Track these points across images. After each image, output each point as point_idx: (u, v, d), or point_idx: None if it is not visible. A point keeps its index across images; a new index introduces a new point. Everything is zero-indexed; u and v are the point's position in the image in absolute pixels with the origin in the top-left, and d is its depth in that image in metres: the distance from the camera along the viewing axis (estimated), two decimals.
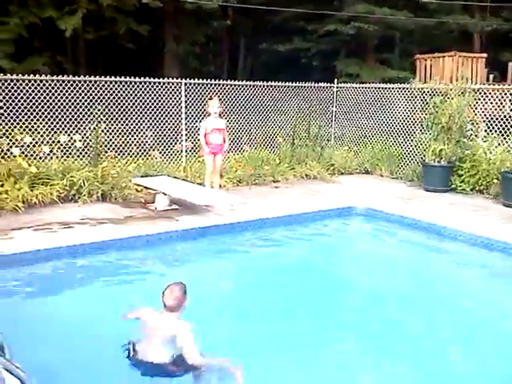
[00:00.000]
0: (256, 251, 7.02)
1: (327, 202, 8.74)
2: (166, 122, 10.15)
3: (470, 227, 7.31)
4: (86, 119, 9.21)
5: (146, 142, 10.12)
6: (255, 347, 4.12)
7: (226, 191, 8.90)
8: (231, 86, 10.88)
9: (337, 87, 12.36)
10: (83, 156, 9.08)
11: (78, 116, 9.18)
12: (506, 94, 10.27)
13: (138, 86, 9.69)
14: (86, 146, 9.12)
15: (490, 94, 10.26)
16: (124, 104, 9.61)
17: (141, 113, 9.88)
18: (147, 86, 9.81)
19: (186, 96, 10.20)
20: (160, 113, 10.08)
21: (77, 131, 9.11)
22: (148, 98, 9.89)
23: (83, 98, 9.20)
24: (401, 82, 11.75)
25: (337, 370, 3.96)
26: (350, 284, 5.88)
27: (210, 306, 4.79)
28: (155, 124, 10.08)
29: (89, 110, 9.20)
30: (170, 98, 10.11)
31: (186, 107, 10.22)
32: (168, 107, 10.12)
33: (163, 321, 3.80)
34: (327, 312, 4.99)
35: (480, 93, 10.34)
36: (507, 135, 9.72)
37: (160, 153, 10.01)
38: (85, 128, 9.18)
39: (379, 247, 7.50)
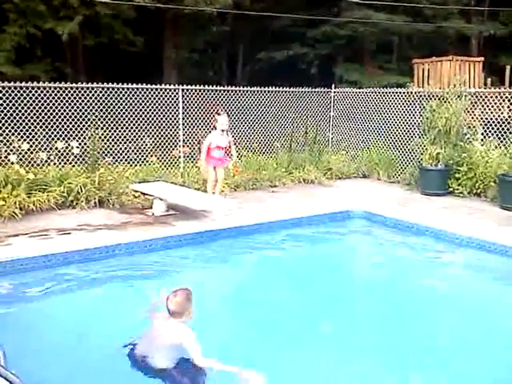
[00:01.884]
0: (253, 256, 7.02)
1: (324, 206, 8.75)
2: (164, 128, 10.18)
3: (468, 230, 7.31)
4: (84, 125, 9.24)
5: (144, 148, 10.13)
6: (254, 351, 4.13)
7: (223, 196, 8.91)
8: (229, 91, 10.92)
9: (334, 92, 12.39)
10: (81, 162, 9.11)
11: (76, 122, 9.21)
12: (502, 97, 10.30)
13: (135, 93, 9.73)
14: (83, 153, 9.14)
15: (486, 97, 10.29)
16: (122, 110, 9.65)
17: (138, 119, 9.91)
18: (145, 93, 9.85)
19: (183, 102, 10.24)
20: (158, 119, 10.12)
21: (74, 138, 9.14)
22: (146, 105, 9.93)
23: (81, 104, 9.23)
24: (399, 86, 11.75)
25: None
26: (345, 286, 5.88)
27: (208, 309, 4.78)
28: (153, 130, 10.11)
29: (86, 116, 9.23)
30: (168, 105, 10.14)
31: (183, 113, 10.25)
32: (166, 113, 10.15)
33: (167, 327, 3.82)
34: (324, 313, 4.98)
35: (477, 96, 10.37)
36: (504, 138, 9.73)
37: (158, 159, 10.03)
38: (82, 134, 9.21)
39: (376, 250, 7.51)
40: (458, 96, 10.04)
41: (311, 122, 11.89)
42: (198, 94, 10.43)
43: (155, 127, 10.12)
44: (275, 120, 11.58)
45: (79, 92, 9.22)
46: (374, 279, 6.14)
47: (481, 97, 10.35)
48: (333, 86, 12.51)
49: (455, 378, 3.96)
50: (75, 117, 9.19)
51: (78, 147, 9.06)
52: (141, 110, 9.90)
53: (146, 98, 9.88)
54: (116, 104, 9.57)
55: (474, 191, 9.64)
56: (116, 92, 9.53)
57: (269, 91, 11.39)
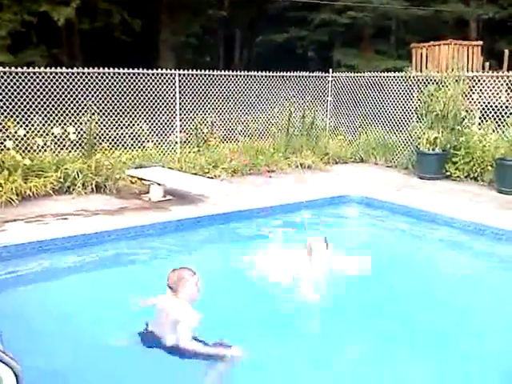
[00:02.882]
0: (251, 240, 7.02)
1: (322, 191, 8.75)
2: (161, 113, 10.14)
3: (465, 214, 7.33)
4: (80, 111, 9.20)
5: (141, 133, 10.10)
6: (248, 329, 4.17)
7: (220, 181, 8.91)
8: (226, 76, 10.87)
9: (332, 76, 12.33)
10: (77, 148, 9.09)
11: (72, 108, 9.17)
12: (500, 81, 10.26)
13: (132, 78, 9.69)
14: (80, 138, 9.12)
15: (484, 81, 10.25)
16: (118, 96, 9.60)
17: (135, 104, 9.87)
18: (141, 78, 9.80)
19: (180, 87, 10.19)
20: (154, 104, 10.08)
21: (71, 123, 9.11)
22: (142, 90, 9.88)
23: (77, 89, 9.19)
24: (397, 71, 11.70)
25: None
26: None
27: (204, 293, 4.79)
28: (150, 115, 10.08)
29: (83, 101, 9.20)
30: (165, 90, 10.10)
31: (180, 98, 10.21)
32: (162, 98, 10.11)
33: (171, 304, 3.88)
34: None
35: (475, 80, 10.33)
36: (501, 122, 9.71)
37: (154, 144, 10.01)
38: (79, 120, 9.18)
39: (374, 234, 7.52)
40: (456, 80, 10.00)
41: (309, 106, 11.85)
42: (195, 78, 10.38)
43: (152, 112, 10.08)
44: (272, 105, 11.54)
45: (75, 77, 9.17)
46: (371, 261, 6.12)
47: (479, 81, 10.32)
48: (330, 70, 12.45)
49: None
50: (71, 102, 9.15)
51: (74, 133, 9.04)
52: (137, 95, 9.85)
53: (142, 83, 9.83)
54: (112, 89, 9.52)
55: (471, 175, 9.65)
56: (112, 77, 9.49)
57: (266, 76, 11.34)
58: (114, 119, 9.63)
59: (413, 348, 4.13)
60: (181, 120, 10.27)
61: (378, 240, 7.20)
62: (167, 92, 10.11)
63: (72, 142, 9.04)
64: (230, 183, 8.83)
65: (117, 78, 9.52)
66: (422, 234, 7.29)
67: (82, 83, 9.22)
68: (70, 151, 8.92)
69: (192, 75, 10.35)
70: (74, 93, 9.15)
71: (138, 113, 9.96)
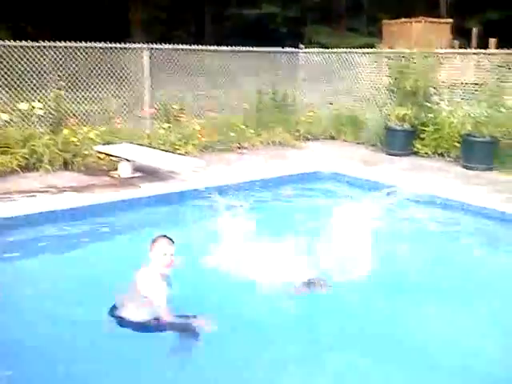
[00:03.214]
0: (219, 216, 7.02)
1: (293, 167, 8.80)
2: (130, 88, 9.99)
3: (431, 189, 7.46)
4: (47, 86, 9.01)
5: (109, 109, 9.95)
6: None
7: (191, 157, 8.86)
8: (196, 51, 10.75)
9: (303, 53, 12.30)
10: (44, 124, 8.92)
11: (38, 82, 8.97)
12: (469, 59, 10.38)
13: (100, 52, 9.50)
14: (46, 114, 8.94)
15: (453, 58, 10.36)
16: (87, 71, 9.42)
17: (104, 80, 9.70)
18: (110, 52, 9.62)
19: (149, 62, 10.04)
20: (124, 79, 9.91)
21: (37, 98, 8.91)
22: (111, 65, 9.70)
23: (43, 64, 8.98)
24: (369, 48, 11.73)
25: None
26: (311, 241, 5.93)
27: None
28: (119, 91, 9.92)
29: (49, 76, 9.00)
30: (134, 64, 9.94)
31: (149, 73, 10.07)
32: (131, 74, 9.95)
33: (141, 275, 3.85)
34: None
35: (444, 58, 10.43)
36: (469, 99, 9.85)
37: (123, 120, 9.87)
38: (45, 95, 8.98)
39: (343, 209, 7.57)
40: (426, 57, 10.09)
41: (280, 82, 11.82)
42: (164, 53, 10.24)
43: (121, 88, 9.92)
44: (243, 80, 11.47)
45: (41, 51, 8.95)
46: (342, 237, 6.17)
47: (448, 58, 10.42)
48: (302, 46, 12.41)
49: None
50: (37, 77, 8.94)
51: (41, 108, 8.84)
52: (106, 70, 9.67)
53: (111, 58, 9.65)
54: (81, 64, 9.33)
55: (439, 151, 9.81)
56: (80, 51, 9.29)
57: (236, 51, 11.26)
58: (82, 95, 9.45)
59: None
60: (150, 95, 10.14)
61: (347, 214, 7.27)
62: (136, 67, 9.95)
63: (39, 118, 8.85)
64: (200, 160, 8.78)
65: (85, 52, 9.32)
66: (388, 209, 7.39)
67: (48, 57, 9.00)
68: (36, 127, 8.73)
69: (161, 50, 10.21)
70: (39, 66, 8.94)
71: (106, 88, 9.79)
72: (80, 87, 9.43)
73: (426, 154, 9.84)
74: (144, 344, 3.65)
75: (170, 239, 3.97)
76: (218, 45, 11.32)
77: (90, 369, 3.43)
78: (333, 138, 11.76)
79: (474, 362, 3.62)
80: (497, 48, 10.46)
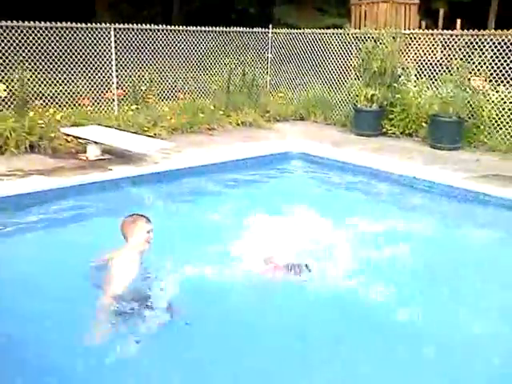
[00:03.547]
0: (191, 198, 7.03)
1: (263, 148, 8.83)
2: (97, 69, 9.82)
3: (399, 168, 7.61)
4: (11, 67, 8.79)
5: (76, 90, 9.77)
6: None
7: (160, 139, 8.79)
8: (164, 31, 10.61)
9: (272, 33, 12.26)
10: (9, 106, 8.72)
11: (2, 64, 8.74)
12: (435, 40, 10.50)
13: (65, 32, 9.29)
14: (11, 96, 8.74)
15: (420, 39, 10.46)
16: (52, 52, 9.22)
17: (69, 60, 9.50)
18: (75, 32, 9.42)
19: (116, 42, 9.87)
20: (90, 60, 9.73)
21: (1, 80, 8.69)
22: (77, 45, 9.51)
23: (7, 45, 8.75)
24: (337, 28, 11.74)
25: None
26: (280, 217, 5.97)
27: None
28: (85, 72, 9.74)
29: (13, 57, 8.78)
30: (100, 45, 9.76)
31: (116, 54, 9.91)
32: (98, 54, 9.77)
33: (117, 255, 3.86)
34: None
35: (411, 38, 10.53)
36: (436, 80, 9.99)
37: (91, 102, 9.71)
38: (9, 77, 8.77)
39: (314, 189, 7.68)
40: (393, 37, 10.17)
41: (249, 63, 11.77)
42: (131, 33, 10.08)
43: (87, 69, 9.73)
44: (212, 61, 11.39)
45: (4, 31, 8.71)
46: (312, 214, 6.24)
47: (415, 38, 10.52)
48: (270, 26, 12.35)
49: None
50: (1, 58, 8.71)
51: (5, 90, 8.64)
52: (71, 50, 9.47)
53: (77, 38, 9.46)
54: (45, 45, 9.12)
55: (406, 131, 9.95)
56: (44, 32, 9.07)
57: (205, 31, 11.15)
58: (47, 76, 9.25)
59: None
60: (118, 77, 9.99)
61: (315, 193, 7.38)
62: (102, 47, 9.77)
63: (3, 100, 8.65)
64: (170, 142, 8.72)
65: (49, 32, 9.10)
66: (357, 187, 7.52)
67: (12, 38, 8.77)
68: (0, 110, 8.53)
69: (128, 29, 10.04)
70: (3, 47, 8.71)
71: (72, 69, 9.60)
72: (46, 69, 9.22)
73: (395, 134, 9.97)
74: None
75: (147, 217, 3.99)
76: (185, 25, 11.18)
77: None
78: (302, 118, 11.80)
79: None
80: (462, 29, 10.58)
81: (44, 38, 9.09)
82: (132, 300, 3.66)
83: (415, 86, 10.19)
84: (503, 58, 8.97)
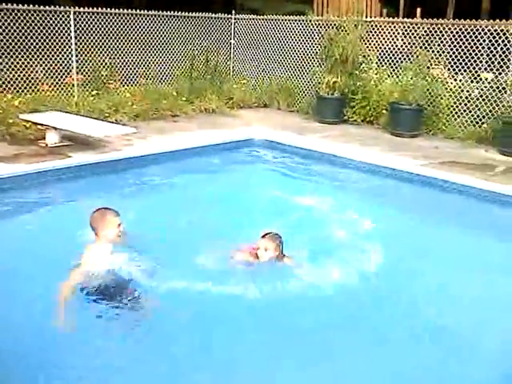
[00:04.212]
0: (154, 185, 6.99)
1: (227, 135, 8.83)
2: (56, 54, 9.59)
3: (360, 155, 7.74)
4: None
5: (35, 75, 9.53)
6: None
7: (122, 125, 8.68)
8: (125, 15, 10.43)
9: (235, 19, 12.20)
10: None
11: None
12: (396, 27, 10.63)
13: (22, 15, 9.03)
14: None
15: (381, 27, 10.58)
16: (8, 35, 8.95)
17: (26, 44, 9.25)
18: (33, 15, 9.17)
19: (75, 26, 9.66)
20: (49, 44, 9.49)
21: None
22: (35, 29, 9.26)
23: None
24: (300, 15, 11.76)
25: None
26: (242, 207, 6.02)
27: None
28: (44, 57, 9.50)
29: None
30: (59, 29, 9.53)
31: (76, 38, 9.70)
32: (57, 38, 9.54)
33: (88, 249, 3.88)
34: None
35: (373, 26, 10.63)
36: (396, 67, 10.14)
37: (50, 87, 9.50)
38: None
39: (276, 176, 7.73)
40: (355, 25, 10.25)
41: (212, 49, 11.71)
42: (92, 17, 9.88)
43: (46, 53, 9.50)
44: (175, 47, 11.28)
45: None
46: (275, 200, 6.29)
47: (376, 26, 10.63)
48: (233, 12, 12.28)
49: None
50: None
51: None
52: (29, 34, 9.22)
53: (35, 22, 9.21)
54: (1, 28, 8.85)
55: (368, 119, 10.10)
56: (0, 14, 8.79)
57: (167, 16, 11.03)
58: (4, 60, 8.99)
59: None
60: (78, 62, 9.79)
61: (279, 180, 7.44)
62: (62, 31, 9.55)
63: None
64: (131, 127, 8.62)
65: (6, 14, 8.84)
66: (319, 173, 7.61)
67: None
68: None
69: (89, 13, 9.83)
70: None
71: (31, 54, 9.35)
72: (3, 53, 8.96)
73: (356, 121, 10.10)
74: None
75: (115, 210, 4.00)
76: (148, 9, 11.01)
77: None
78: (266, 106, 11.83)
79: None
80: (422, 18, 10.75)
81: (0, 21, 8.82)
82: (96, 290, 3.68)
83: (376, 74, 10.32)
84: (461, 47, 9.18)
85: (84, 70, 9.93)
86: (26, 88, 9.29)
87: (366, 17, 11.54)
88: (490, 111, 8.92)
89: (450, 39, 9.31)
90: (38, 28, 9.29)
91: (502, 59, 8.93)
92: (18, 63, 9.24)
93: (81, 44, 9.81)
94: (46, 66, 9.55)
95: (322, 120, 10.22)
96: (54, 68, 9.61)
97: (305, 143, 8.42)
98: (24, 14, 9.07)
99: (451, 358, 3.46)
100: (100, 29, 10.04)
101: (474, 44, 9.05)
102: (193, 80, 11.18)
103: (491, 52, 8.97)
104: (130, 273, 3.88)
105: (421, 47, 9.57)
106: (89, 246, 3.93)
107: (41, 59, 9.48)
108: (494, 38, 8.91)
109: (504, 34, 8.86)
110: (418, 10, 13.18)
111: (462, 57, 9.21)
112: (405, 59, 9.98)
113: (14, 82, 9.19)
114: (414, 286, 4.38)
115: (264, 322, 3.73)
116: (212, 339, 3.53)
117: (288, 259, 4.27)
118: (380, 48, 10.51)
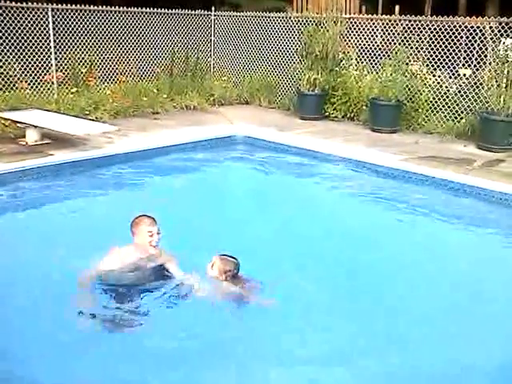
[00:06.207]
0: (137, 183, 6.97)
1: (208, 132, 8.83)
2: (34, 51, 9.49)
3: (341, 151, 7.81)
4: None
5: (13, 73, 9.41)
6: None
7: (102, 123, 8.63)
8: (105, 12, 10.35)
9: (214, 15, 12.18)
10: None
11: None
12: (375, 24, 10.71)
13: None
14: None
15: (361, 24, 10.65)
16: None
17: (4, 41, 9.13)
18: (10, 12, 9.05)
19: (54, 23, 9.56)
20: (27, 42, 9.38)
21: None
22: (12, 26, 9.15)
23: None
24: (279, 11, 11.79)
25: None
26: (228, 202, 6.04)
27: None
28: (22, 54, 9.38)
29: None
30: (37, 26, 9.43)
31: (55, 35, 9.60)
32: (35, 35, 9.44)
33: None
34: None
35: (352, 23, 10.70)
36: (376, 64, 10.22)
37: (29, 85, 9.39)
38: None
39: (258, 172, 7.76)
40: (335, 22, 10.31)
41: (192, 46, 11.68)
42: (70, 14, 9.78)
43: (25, 51, 9.38)
44: (155, 44, 11.23)
45: None
46: (259, 198, 6.32)
47: (355, 23, 10.70)
48: (213, 8, 12.26)
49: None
50: None
51: None
52: (7, 31, 9.10)
53: (12, 19, 9.09)
54: None
55: (348, 115, 10.18)
56: None
57: (147, 13, 10.98)
58: None
59: None
60: (57, 59, 9.69)
61: (262, 177, 7.48)
62: (40, 28, 9.44)
63: None
64: (112, 125, 8.58)
65: None
66: (302, 170, 7.67)
67: None
68: None
69: (67, 10, 9.74)
70: None
71: (9, 51, 9.23)
72: None
73: (337, 117, 10.17)
74: None
75: (152, 218, 4.06)
76: (127, 6, 10.94)
77: None
78: (247, 102, 11.84)
79: None
80: (400, 15, 10.85)
81: None
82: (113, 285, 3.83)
83: (356, 70, 10.40)
84: (439, 43, 9.29)
85: (63, 68, 9.83)
86: (4, 86, 9.17)
87: (346, 14, 11.62)
88: (469, 106, 9.05)
89: (429, 35, 9.42)
90: (16, 25, 9.17)
91: (480, 55, 9.06)
92: None
93: (60, 41, 9.71)
94: (25, 63, 9.44)
95: (304, 116, 10.27)
96: (32, 65, 9.50)
97: (286, 139, 8.46)
98: (1, 11, 8.95)
99: None
100: (79, 26, 9.96)
101: (452, 40, 9.16)
102: (173, 77, 11.15)
103: (468, 48, 9.10)
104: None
105: (400, 44, 9.66)
106: (128, 245, 4.04)
107: (19, 57, 9.36)
108: (471, 34, 9.04)
109: (481, 31, 8.99)
110: (397, 7, 13.27)
111: (440, 53, 9.32)
112: (384, 56, 10.07)
113: None
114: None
115: None
116: None
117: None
118: (360, 45, 10.59)
